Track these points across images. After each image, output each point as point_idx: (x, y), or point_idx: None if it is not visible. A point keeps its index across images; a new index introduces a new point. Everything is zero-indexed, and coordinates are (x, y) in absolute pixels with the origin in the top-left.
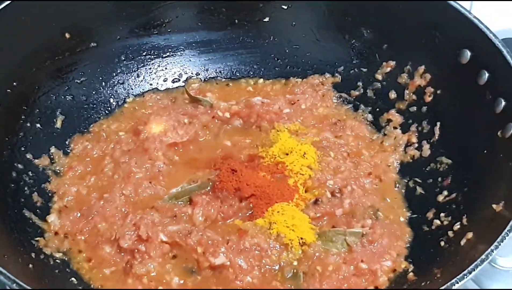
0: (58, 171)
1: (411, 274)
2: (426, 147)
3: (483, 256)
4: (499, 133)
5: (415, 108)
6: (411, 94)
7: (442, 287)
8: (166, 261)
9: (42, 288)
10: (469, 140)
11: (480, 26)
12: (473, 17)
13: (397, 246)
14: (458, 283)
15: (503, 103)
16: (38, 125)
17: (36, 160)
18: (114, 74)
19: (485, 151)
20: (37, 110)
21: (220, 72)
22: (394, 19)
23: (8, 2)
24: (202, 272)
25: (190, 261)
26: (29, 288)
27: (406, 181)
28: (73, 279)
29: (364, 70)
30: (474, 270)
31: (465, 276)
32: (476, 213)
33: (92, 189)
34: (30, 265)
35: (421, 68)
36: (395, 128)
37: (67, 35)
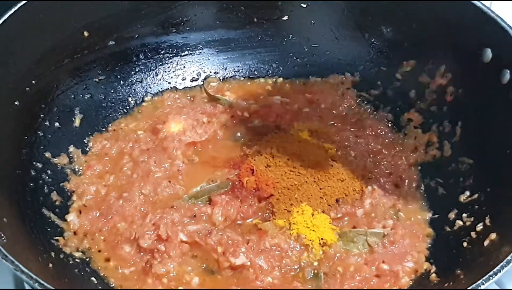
0: (77, 170)
1: (433, 275)
2: (447, 147)
3: (508, 258)
4: None
5: (436, 108)
6: (432, 93)
7: (469, 288)
8: (186, 261)
9: (63, 287)
10: (491, 140)
11: (502, 24)
12: (495, 15)
13: (419, 246)
14: (484, 284)
15: None
16: (56, 123)
17: (55, 159)
18: (133, 72)
19: (508, 151)
20: (56, 109)
21: (239, 71)
22: (415, 18)
23: (27, 0)
24: (222, 272)
25: (210, 261)
26: (51, 287)
27: (428, 181)
28: (92, 278)
29: (384, 69)
30: (500, 271)
31: (490, 278)
32: (499, 213)
33: (111, 188)
34: (50, 265)
35: (442, 67)
36: (415, 127)
37: (85, 34)
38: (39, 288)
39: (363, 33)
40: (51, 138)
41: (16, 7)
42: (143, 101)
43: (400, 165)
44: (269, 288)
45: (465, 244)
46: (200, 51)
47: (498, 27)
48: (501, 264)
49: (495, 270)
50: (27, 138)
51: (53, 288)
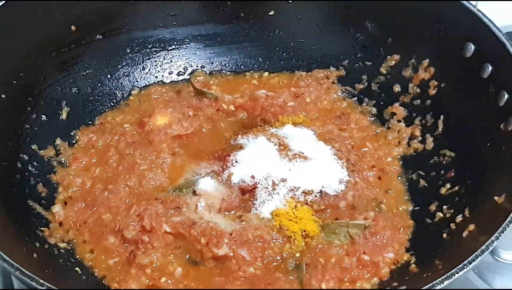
0: (63, 162)
1: (413, 266)
2: (429, 140)
3: (483, 247)
4: (502, 126)
5: (419, 101)
6: (415, 87)
7: (443, 277)
8: (170, 252)
9: (46, 276)
10: (472, 133)
11: (484, 19)
12: (477, 10)
13: (400, 238)
14: (458, 273)
15: (506, 96)
16: (43, 116)
17: (42, 151)
18: (120, 66)
19: (488, 144)
20: (43, 102)
21: (225, 65)
22: (399, 13)
23: None
24: (205, 263)
25: (194, 252)
26: (32, 275)
27: (410, 173)
28: (77, 268)
29: (369, 63)
30: (474, 260)
31: (465, 267)
32: (478, 205)
33: (97, 180)
34: (35, 255)
35: (425, 62)
36: (399, 121)
37: (73, 27)
38: (20, 276)
39: (348, 28)
40: (38, 130)
41: (4, 1)
42: (130, 94)
43: (383, 158)
44: (251, 278)
45: (444, 235)
46: (187, 45)
47: (480, 22)
48: (476, 253)
49: (469, 259)
50: (14, 130)
51: (35, 277)
